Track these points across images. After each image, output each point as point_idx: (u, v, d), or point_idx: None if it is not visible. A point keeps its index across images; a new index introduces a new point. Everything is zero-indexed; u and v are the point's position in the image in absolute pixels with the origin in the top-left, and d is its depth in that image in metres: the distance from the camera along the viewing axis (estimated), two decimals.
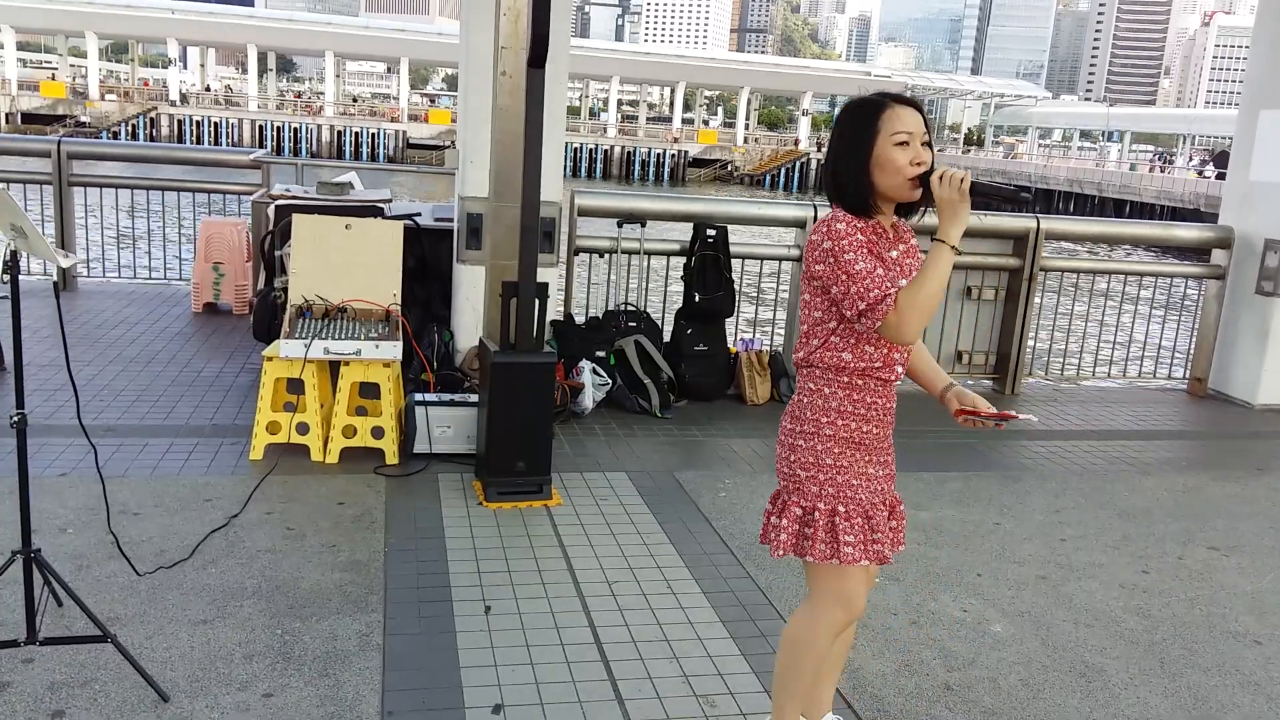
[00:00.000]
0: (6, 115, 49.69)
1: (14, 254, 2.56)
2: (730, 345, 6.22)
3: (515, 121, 4.63)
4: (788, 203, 7.05)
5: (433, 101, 73.24)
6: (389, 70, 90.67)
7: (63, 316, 3.25)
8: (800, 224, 6.35)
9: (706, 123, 74.81)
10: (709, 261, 6.07)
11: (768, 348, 6.26)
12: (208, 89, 63.10)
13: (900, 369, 2.33)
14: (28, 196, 8.01)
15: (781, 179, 57.71)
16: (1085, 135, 78.28)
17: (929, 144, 2.20)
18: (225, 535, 3.67)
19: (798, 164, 58.15)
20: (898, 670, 3.09)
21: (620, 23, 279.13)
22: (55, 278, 3.54)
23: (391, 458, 4.53)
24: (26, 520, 2.70)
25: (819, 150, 59.51)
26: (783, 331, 6.76)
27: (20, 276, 2.59)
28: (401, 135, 54.21)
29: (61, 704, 2.60)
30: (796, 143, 61.95)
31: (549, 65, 4.11)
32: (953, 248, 2.11)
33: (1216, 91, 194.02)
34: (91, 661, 2.78)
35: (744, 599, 3.47)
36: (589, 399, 5.45)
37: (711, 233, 6.08)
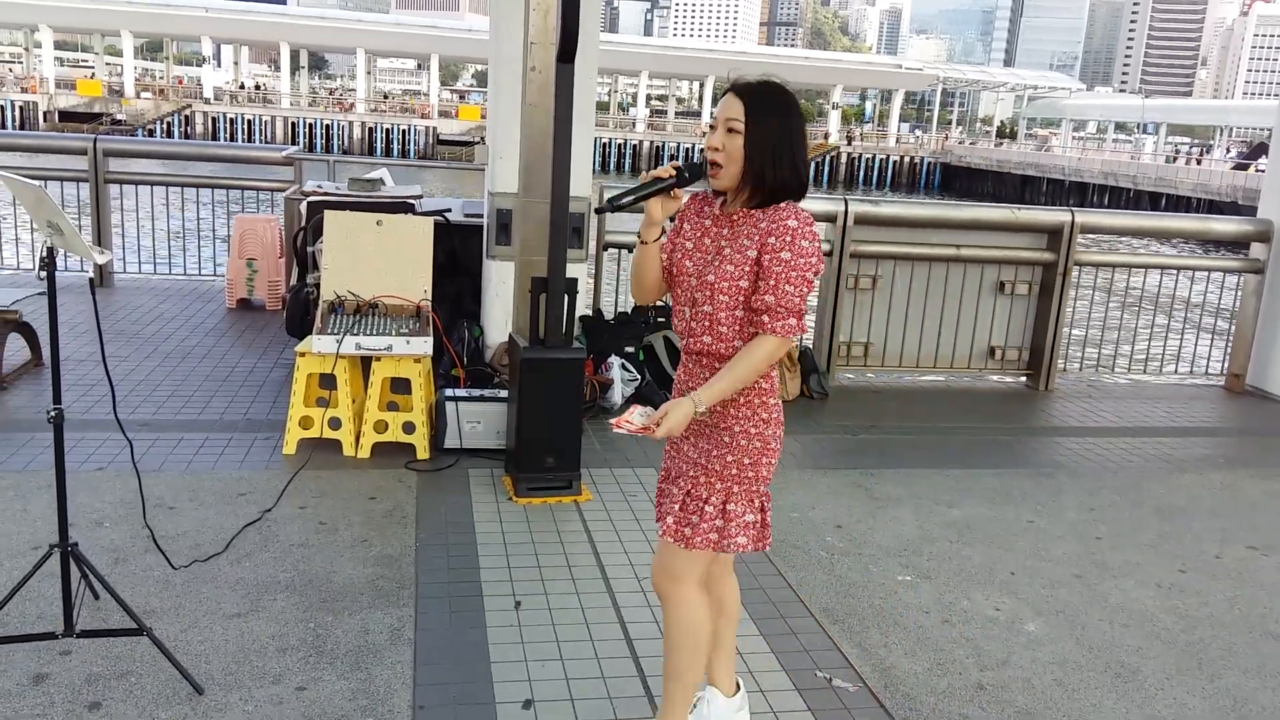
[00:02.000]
0: (44, 113, 50.44)
1: (51, 251, 2.59)
2: None
3: (544, 117, 4.62)
4: (817, 197, 7.00)
5: (462, 98, 73.46)
6: (419, 67, 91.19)
7: (99, 312, 3.29)
8: (830, 218, 6.30)
9: None
10: None
11: (798, 344, 6.23)
12: (241, 87, 63.71)
13: (692, 341, 2.32)
14: (65, 194, 8.12)
15: (811, 173, 57.21)
16: (1120, 127, 77.18)
17: (736, 130, 2.22)
18: (259, 529, 3.70)
19: (827, 158, 57.74)
20: (929, 669, 3.06)
21: (649, 17, 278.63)
22: (91, 274, 3.58)
23: (422, 453, 4.55)
24: (63, 514, 2.73)
25: (849, 144, 59.14)
26: (813, 327, 6.72)
27: (56, 273, 2.62)
28: (432, 131, 54.44)
29: (99, 695, 2.64)
30: (826, 136, 61.56)
31: (578, 60, 4.10)
32: (640, 239, 2.38)
33: (1255, 82, 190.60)
34: (128, 654, 2.82)
35: (773, 596, 3.46)
36: (618, 394, 5.44)
37: None
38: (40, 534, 3.53)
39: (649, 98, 68.08)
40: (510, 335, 4.64)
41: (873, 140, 62.44)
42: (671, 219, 2.38)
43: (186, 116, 52.39)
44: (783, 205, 2.24)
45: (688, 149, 56.70)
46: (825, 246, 6.34)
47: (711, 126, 2.28)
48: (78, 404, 4.94)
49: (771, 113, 2.22)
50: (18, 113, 50.04)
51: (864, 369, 6.61)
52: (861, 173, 57.47)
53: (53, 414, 2.66)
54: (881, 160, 57.86)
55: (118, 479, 4.05)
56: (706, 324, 2.27)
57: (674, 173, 2.28)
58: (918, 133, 71.48)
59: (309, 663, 2.85)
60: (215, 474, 4.22)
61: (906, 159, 58.38)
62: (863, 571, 3.72)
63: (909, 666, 3.07)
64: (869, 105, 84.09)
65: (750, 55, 69.21)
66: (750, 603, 3.39)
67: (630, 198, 2.27)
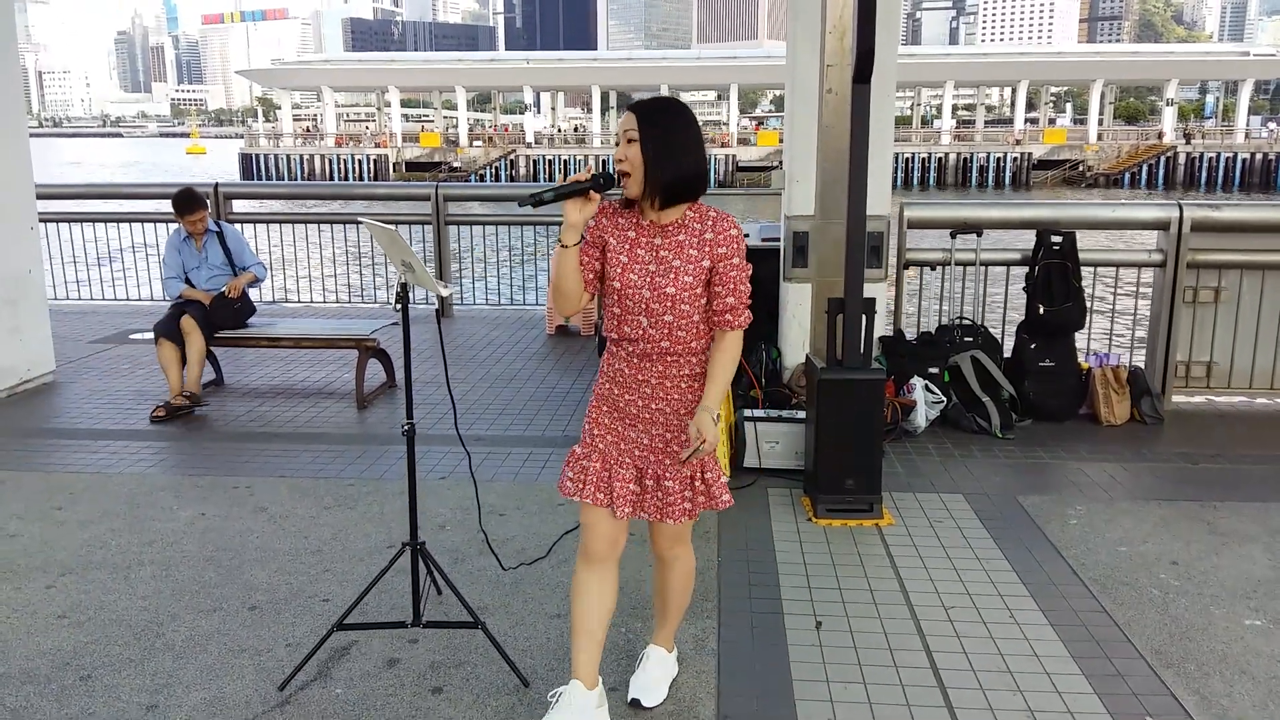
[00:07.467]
0: (394, 165, 57.11)
1: (404, 286, 2.96)
2: (1081, 361, 5.78)
3: (841, 139, 4.62)
4: (1146, 203, 6.42)
5: (760, 124, 74.47)
6: (719, 97, 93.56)
7: (443, 340, 3.70)
8: (1163, 225, 5.77)
9: (1053, 121, 69.89)
10: (1055, 270, 5.68)
11: (1126, 363, 5.74)
12: (558, 130, 68.56)
13: (639, 344, 2.55)
14: (411, 235, 9.16)
15: (1144, 177, 52.43)
16: None
17: (633, 139, 2.46)
18: (575, 537, 3.96)
19: (1162, 159, 52.61)
20: None
21: (954, 25, 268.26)
22: (436, 306, 4.03)
23: (723, 471, 4.66)
24: (414, 517, 3.09)
25: (1188, 143, 53.55)
26: (1145, 345, 6.17)
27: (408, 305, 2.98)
28: (731, 159, 55.59)
29: (440, 681, 2.95)
30: (1160, 136, 56.09)
31: (874, 79, 4.08)
32: (560, 243, 2.51)
33: None
34: (464, 645, 3.13)
35: (1098, 634, 3.21)
36: (922, 417, 5.29)
37: (1057, 239, 5.69)
38: (394, 534, 4.00)
39: (955, 108, 65.43)
40: (807, 356, 4.66)
41: (1216, 137, 56.02)
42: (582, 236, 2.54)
43: (511, 161, 57.13)
44: (720, 215, 2.53)
45: (999, 158, 53.91)
46: (1156, 257, 5.83)
47: (617, 142, 2.56)
48: (424, 420, 5.55)
49: (661, 119, 2.48)
50: (372, 165, 57.04)
51: (1206, 391, 5.96)
52: (1204, 174, 51.71)
53: (406, 428, 3.03)
54: (1228, 159, 51.75)
55: (457, 487, 4.50)
56: (666, 330, 2.53)
57: (590, 177, 2.51)
58: (1272, 126, 63.24)
59: (620, 665, 3.01)
60: (538, 484, 4.57)
61: (1259, 156, 51.79)
62: (1203, 613, 3.37)
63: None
64: (1211, 99, 75.64)
65: (1067, 55, 64.68)
66: (1071, 640, 3.17)
67: (551, 195, 2.53)
